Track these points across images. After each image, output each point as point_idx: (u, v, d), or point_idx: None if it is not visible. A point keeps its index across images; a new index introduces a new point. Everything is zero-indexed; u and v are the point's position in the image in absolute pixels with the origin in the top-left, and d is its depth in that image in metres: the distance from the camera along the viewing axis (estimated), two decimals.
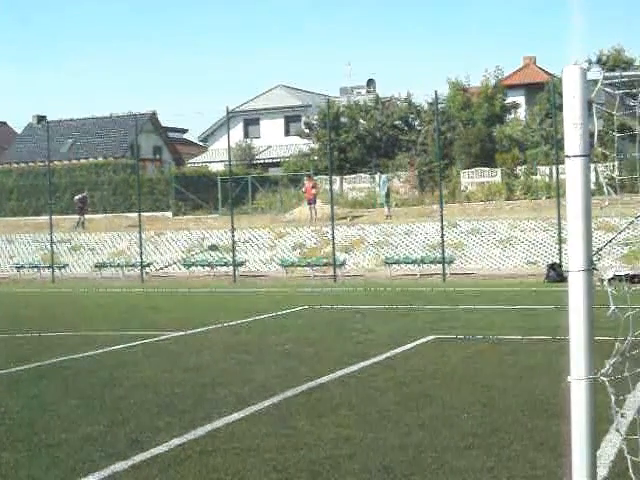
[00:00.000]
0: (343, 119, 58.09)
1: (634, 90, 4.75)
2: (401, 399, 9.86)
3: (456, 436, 8.03)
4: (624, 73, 4.55)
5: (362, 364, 12.48)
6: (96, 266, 39.98)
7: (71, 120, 70.10)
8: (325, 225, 38.13)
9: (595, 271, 4.07)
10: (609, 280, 4.36)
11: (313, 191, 42.66)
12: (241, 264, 36.64)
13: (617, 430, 5.03)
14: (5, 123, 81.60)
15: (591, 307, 3.97)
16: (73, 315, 22.38)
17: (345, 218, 41.33)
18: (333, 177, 40.19)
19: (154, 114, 70.26)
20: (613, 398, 4.19)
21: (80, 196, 48.69)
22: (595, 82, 4.24)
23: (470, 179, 48.55)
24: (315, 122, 59.34)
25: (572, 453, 4.01)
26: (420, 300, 23.38)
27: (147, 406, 9.87)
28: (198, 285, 32.67)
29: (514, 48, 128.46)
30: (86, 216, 48.03)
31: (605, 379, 4.11)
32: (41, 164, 55.07)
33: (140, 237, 37.84)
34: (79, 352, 14.59)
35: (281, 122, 71.33)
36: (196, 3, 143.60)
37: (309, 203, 42.91)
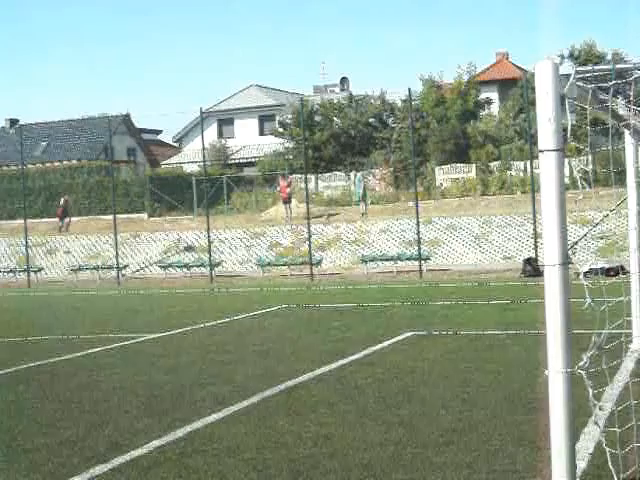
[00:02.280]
0: (317, 118, 58.06)
1: (606, 84, 4.77)
2: (380, 396, 9.87)
3: (436, 432, 8.04)
4: (596, 67, 4.57)
5: (341, 362, 12.49)
6: (72, 269, 39.84)
7: (44, 123, 69.82)
8: (301, 224, 38.13)
9: (571, 265, 4.08)
10: (585, 274, 4.38)
11: (288, 190, 42.65)
12: (217, 264, 36.59)
13: (595, 423, 5.06)
14: None
15: (567, 301, 3.99)
16: (50, 319, 22.27)
17: (321, 217, 41.35)
18: (308, 176, 40.18)
19: (127, 116, 70.04)
20: (591, 391, 4.21)
21: (63, 200, 48.52)
22: (567, 77, 4.25)
23: (445, 175, 48.66)
24: (289, 121, 59.24)
25: (551, 446, 4.03)
26: (397, 297, 23.41)
27: (126, 408, 9.84)
28: (175, 286, 32.59)
29: (487, 44, 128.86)
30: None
31: (583, 372, 4.12)
32: (15, 167, 54.74)
33: (116, 239, 37.74)
34: (56, 356, 14.51)
35: (255, 122, 71.24)
36: (168, 4, 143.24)
37: (284, 202, 42.89)
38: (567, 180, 33.23)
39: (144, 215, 50.77)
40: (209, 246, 36.09)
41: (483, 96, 56.37)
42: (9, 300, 30.19)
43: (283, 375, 11.50)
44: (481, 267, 32.62)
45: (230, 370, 12.26)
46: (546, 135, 4.04)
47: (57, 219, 47.99)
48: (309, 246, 34.35)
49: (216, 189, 49.07)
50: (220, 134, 70.61)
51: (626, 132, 10.45)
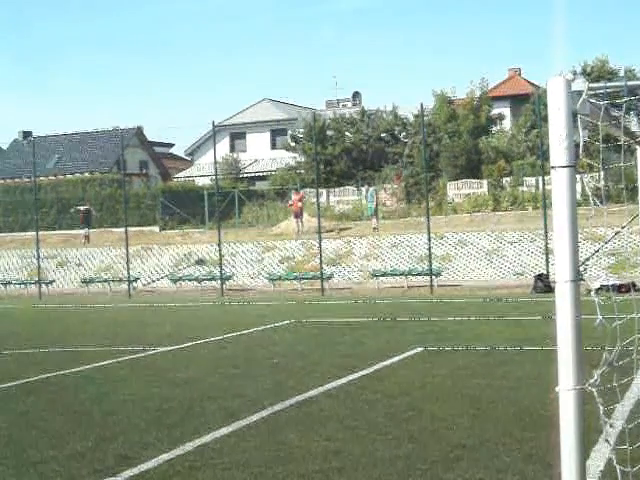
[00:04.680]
0: (329, 132, 58.09)
1: (619, 101, 4.76)
2: (390, 412, 9.85)
3: (445, 448, 8.02)
4: (609, 84, 4.56)
5: (351, 377, 12.47)
6: (83, 281, 39.86)
7: (57, 135, 69.99)
8: (312, 238, 38.12)
9: (582, 281, 4.07)
10: (596, 290, 4.36)
11: (299, 204, 42.59)
12: (228, 278, 36.57)
13: (606, 440, 5.04)
14: None
15: (579, 318, 3.97)
16: (60, 331, 22.30)
17: (332, 231, 41.32)
18: (320, 190, 40.17)
19: (140, 129, 70.16)
20: (602, 408, 4.18)
21: (84, 208, 48.47)
22: (580, 93, 4.24)
23: (457, 191, 48.63)
24: (301, 135, 59.32)
25: (561, 464, 4.01)
26: (408, 312, 23.36)
27: (135, 421, 9.83)
28: (185, 300, 32.58)
29: (499, 60, 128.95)
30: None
31: (593, 389, 4.10)
32: (27, 180, 54.89)
33: (127, 252, 37.76)
34: (66, 368, 14.53)
35: (267, 136, 71.35)
36: (181, 18, 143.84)
37: (296, 216, 42.84)
38: (579, 196, 33.18)
39: (156, 228, 50.82)
40: (220, 259, 36.09)
41: (495, 112, 56.39)
42: (20, 312, 30.24)
43: (293, 389, 11.49)
44: (492, 283, 32.52)
45: (240, 384, 12.26)
46: (558, 151, 4.03)
47: (83, 231, 47.78)
48: (320, 260, 34.31)
49: (228, 203, 49.11)
50: (232, 148, 70.73)
51: (638, 149, 10.43)
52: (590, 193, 4.79)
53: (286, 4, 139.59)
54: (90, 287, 39.04)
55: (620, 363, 4.38)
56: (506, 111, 59.18)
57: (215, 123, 40.71)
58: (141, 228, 48.60)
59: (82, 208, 48.45)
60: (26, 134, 71.65)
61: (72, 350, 17.33)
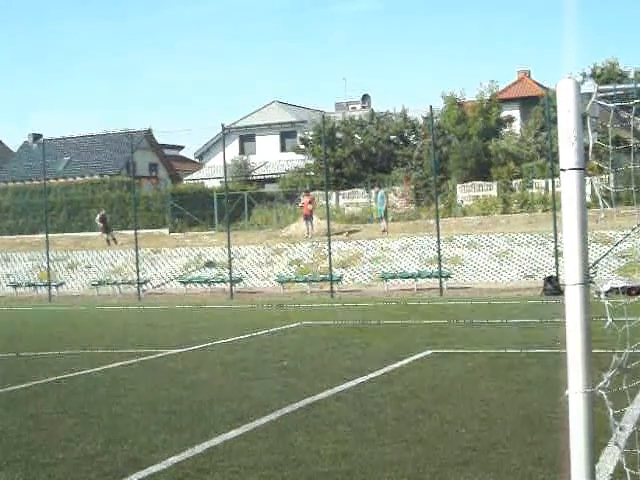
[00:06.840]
0: (339, 134, 58.08)
1: (628, 103, 4.75)
2: (399, 414, 9.83)
3: (455, 451, 8.00)
4: (618, 86, 4.55)
5: (360, 380, 12.45)
6: (93, 284, 39.95)
7: (67, 138, 70.09)
8: (322, 240, 38.11)
9: (592, 284, 4.06)
10: (606, 293, 4.35)
11: (310, 206, 42.57)
12: (238, 280, 36.62)
13: (616, 443, 5.02)
14: (1, 142, 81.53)
15: (588, 320, 3.96)
16: (70, 333, 22.33)
17: (342, 233, 41.31)
18: (329, 192, 40.19)
19: (150, 131, 70.23)
20: (611, 411, 4.17)
21: (100, 215, 48.54)
22: (589, 95, 4.23)
23: (466, 193, 48.58)
24: (311, 138, 59.31)
25: (571, 467, 3.99)
26: (417, 315, 23.35)
27: (145, 424, 9.83)
28: (195, 302, 32.62)
29: (509, 62, 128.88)
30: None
31: (603, 392, 4.09)
32: (37, 182, 55.09)
33: (137, 254, 37.83)
34: (76, 370, 14.55)
35: (277, 138, 71.34)
36: (190, 20, 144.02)
37: (306, 219, 42.83)
38: (588, 199, 33.12)
39: (165, 230, 50.89)
40: (230, 262, 36.12)
41: (505, 114, 56.34)
42: (30, 314, 30.30)
43: (302, 392, 11.48)
44: (502, 285, 32.50)
45: (249, 386, 12.26)
46: (567, 153, 4.02)
47: (100, 233, 48.09)
48: (329, 263, 34.32)
49: (237, 205, 49.17)
50: (242, 150, 70.73)
51: None
52: (600, 195, 4.78)
53: (295, 6, 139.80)
54: (100, 289, 39.13)
55: (630, 366, 4.37)
56: (515, 113, 59.10)
57: (225, 125, 40.78)
58: (151, 231, 48.66)
59: (99, 215, 48.58)
60: (36, 137, 71.86)
61: (81, 352, 17.35)
